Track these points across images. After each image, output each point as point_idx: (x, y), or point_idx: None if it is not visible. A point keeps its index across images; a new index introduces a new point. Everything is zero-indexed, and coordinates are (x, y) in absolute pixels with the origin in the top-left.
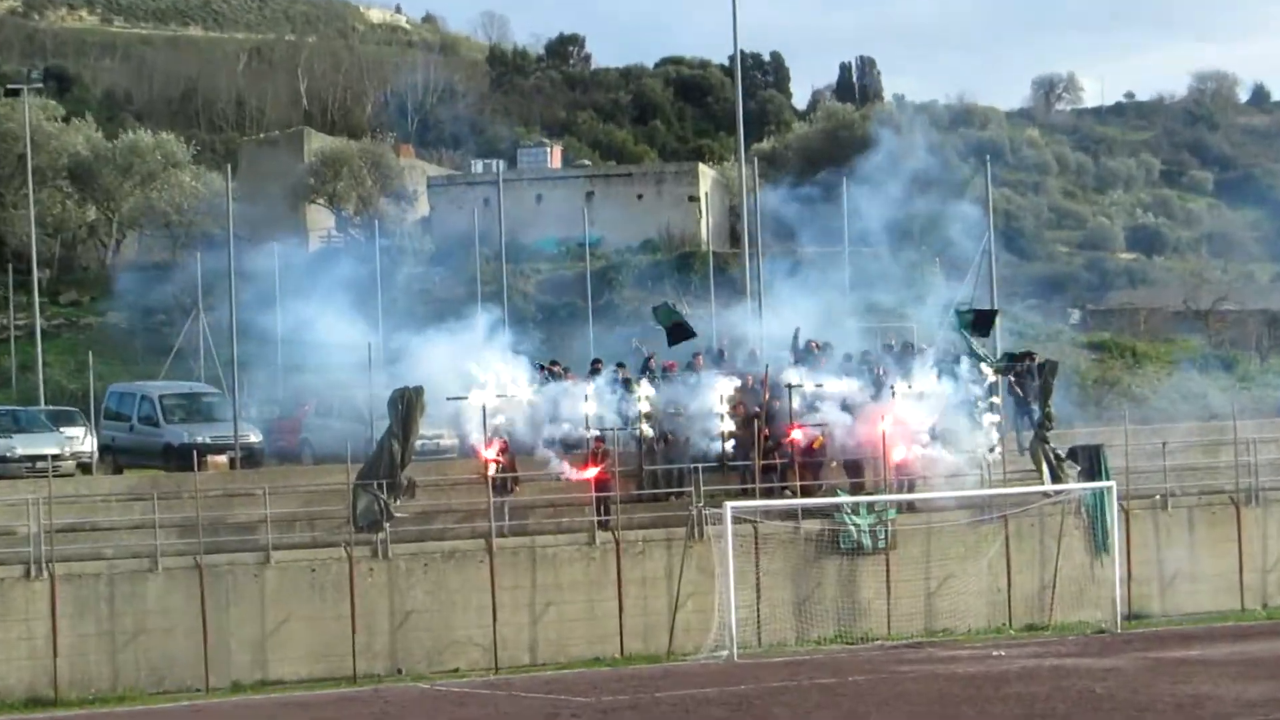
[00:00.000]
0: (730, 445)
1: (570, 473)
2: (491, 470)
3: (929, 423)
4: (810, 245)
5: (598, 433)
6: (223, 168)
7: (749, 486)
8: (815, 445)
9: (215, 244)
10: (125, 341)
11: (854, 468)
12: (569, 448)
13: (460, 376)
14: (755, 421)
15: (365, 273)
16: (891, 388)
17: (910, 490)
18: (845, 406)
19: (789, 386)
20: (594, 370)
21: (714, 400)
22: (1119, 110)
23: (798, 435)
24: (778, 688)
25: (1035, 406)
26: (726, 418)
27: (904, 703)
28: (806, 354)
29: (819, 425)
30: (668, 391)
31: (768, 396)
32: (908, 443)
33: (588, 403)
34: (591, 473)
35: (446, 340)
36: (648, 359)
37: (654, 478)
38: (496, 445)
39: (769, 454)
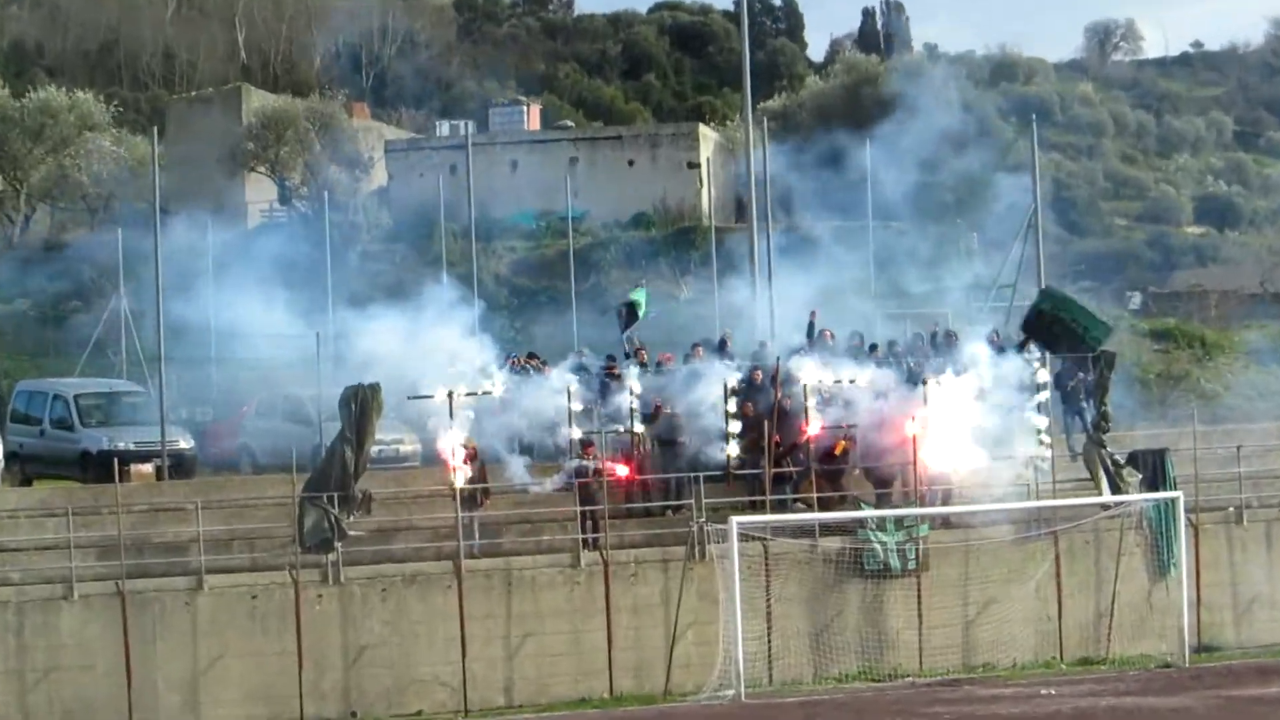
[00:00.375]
0: (736, 450)
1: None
2: (460, 481)
3: (968, 424)
4: (827, 219)
5: (582, 435)
6: (148, 131)
7: (758, 498)
8: (838, 450)
9: (139, 219)
10: (34, 332)
11: (880, 476)
12: (541, 454)
13: (423, 370)
14: (765, 423)
15: (313, 252)
16: (923, 382)
17: (945, 502)
18: (871, 404)
19: (804, 383)
20: (578, 363)
21: (717, 398)
22: (1185, 61)
23: (814, 430)
24: None
25: (1089, 405)
26: (732, 418)
27: None
28: (820, 343)
29: (840, 427)
30: (663, 387)
31: (779, 394)
32: (943, 447)
33: (571, 400)
34: (623, 470)
35: (405, 326)
36: (636, 350)
37: (646, 489)
38: (464, 452)
39: (781, 460)
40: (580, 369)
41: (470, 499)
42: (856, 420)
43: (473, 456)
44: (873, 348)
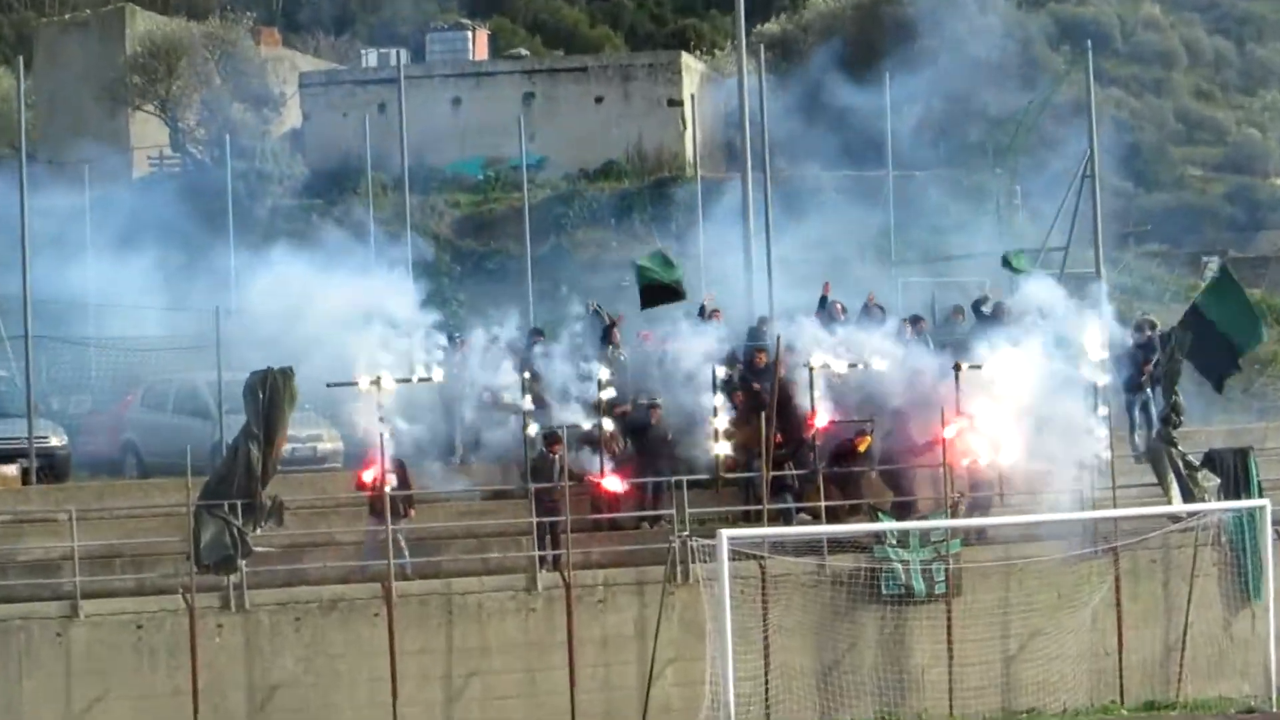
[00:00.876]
0: (727, 449)
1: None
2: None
3: (1016, 415)
4: (836, 167)
5: (545, 429)
6: (12, 62)
7: (754, 508)
8: (859, 447)
9: (1, 168)
10: None
11: (900, 481)
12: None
13: (346, 351)
14: (763, 414)
15: (212, 208)
16: (955, 366)
17: (983, 512)
18: (893, 391)
19: (810, 366)
20: (533, 344)
21: (703, 383)
22: None
23: (822, 421)
24: None
25: (1157, 394)
26: (723, 410)
27: None
28: (831, 319)
29: (854, 420)
30: (640, 371)
31: (779, 377)
32: (979, 445)
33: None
34: (616, 484)
35: (323, 298)
36: (608, 328)
37: (617, 497)
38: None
39: (783, 463)
40: (531, 344)
41: (392, 509)
42: (875, 412)
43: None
44: (903, 322)
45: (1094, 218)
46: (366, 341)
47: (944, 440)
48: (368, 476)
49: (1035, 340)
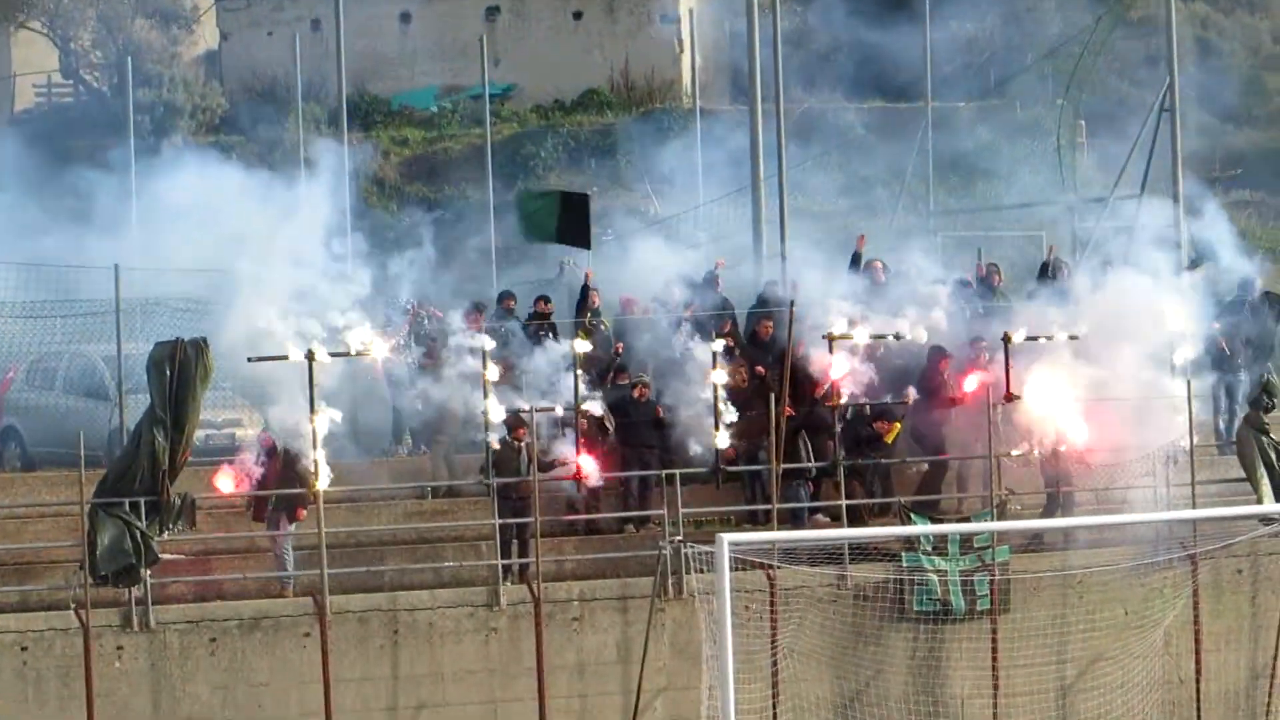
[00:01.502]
0: (728, 438)
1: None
2: (324, 483)
3: (1074, 395)
4: (864, 98)
5: (509, 412)
6: None
7: (760, 507)
8: (886, 434)
9: None
10: None
11: (935, 476)
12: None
13: (272, 319)
14: (771, 394)
15: (109, 144)
16: (1005, 337)
17: (1049, 511)
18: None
19: (830, 336)
20: (503, 310)
21: (702, 358)
22: None
23: (840, 372)
24: None
25: (1245, 370)
26: (723, 389)
27: None
28: (869, 279)
29: (885, 403)
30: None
31: (799, 348)
32: (1034, 431)
33: (488, 368)
34: (589, 465)
35: (243, 253)
36: (585, 289)
37: (595, 492)
38: (255, 454)
39: (793, 435)
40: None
41: (282, 510)
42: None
43: (272, 452)
44: (964, 284)
45: (1173, 160)
46: (289, 308)
47: (991, 418)
48: (225, 485)
49: (1106, 300)
